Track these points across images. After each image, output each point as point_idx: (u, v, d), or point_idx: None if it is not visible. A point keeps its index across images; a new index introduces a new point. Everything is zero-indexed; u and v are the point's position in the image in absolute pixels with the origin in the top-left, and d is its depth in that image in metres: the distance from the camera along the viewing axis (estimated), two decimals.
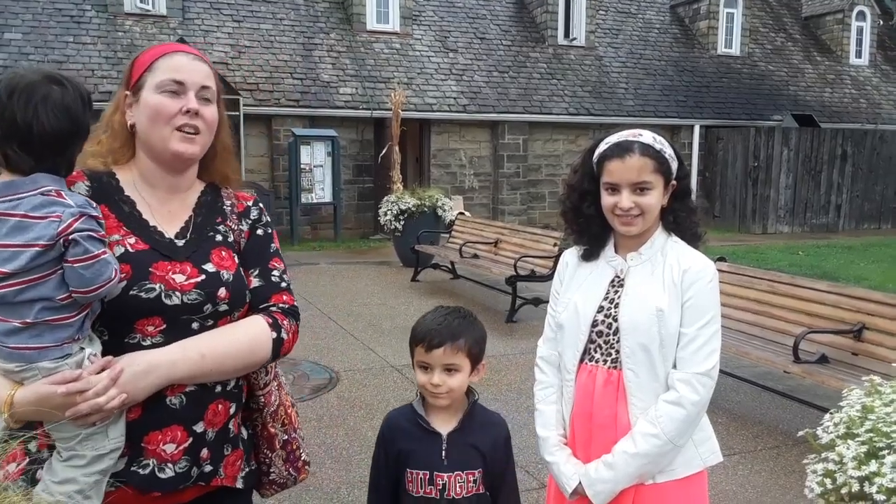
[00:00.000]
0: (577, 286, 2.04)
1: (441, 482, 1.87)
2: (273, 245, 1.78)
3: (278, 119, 13.92)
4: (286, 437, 1.82)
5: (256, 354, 1.63)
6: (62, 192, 1.44)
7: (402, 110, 12.94)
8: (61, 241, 1.39)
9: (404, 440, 1.92)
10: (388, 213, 11.11)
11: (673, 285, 1.89)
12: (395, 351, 6.41)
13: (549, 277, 7.76)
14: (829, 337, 4.46)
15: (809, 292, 4.80)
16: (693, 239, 1.99)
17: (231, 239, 1.71)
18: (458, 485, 1.88)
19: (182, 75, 1.60)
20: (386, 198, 11.59)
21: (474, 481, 1.90)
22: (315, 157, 13.51)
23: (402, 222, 10.98)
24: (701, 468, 1.97)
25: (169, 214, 1.65)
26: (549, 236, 8.31)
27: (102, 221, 1.48)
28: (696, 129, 17.08)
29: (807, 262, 11.91)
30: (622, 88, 17.02)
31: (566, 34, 17.32)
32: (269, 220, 1.81)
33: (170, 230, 1.63)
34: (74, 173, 1.60)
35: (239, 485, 1.71)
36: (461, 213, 12.56)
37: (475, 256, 9.13)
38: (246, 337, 1.62)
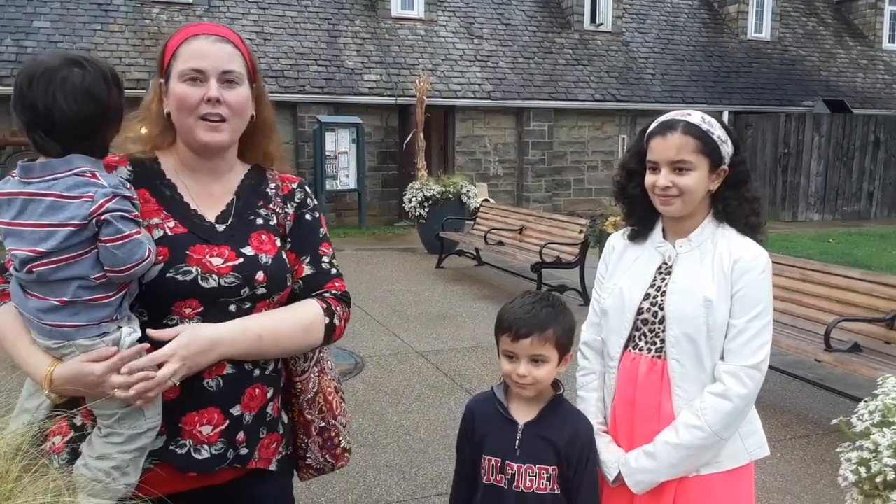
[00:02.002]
0: (623, 271, 1.99)
1: (510, 472, 1.80)
2: (322, 230, 1.78)
3: (303, 106, 13.94)
4: (323, 424, 1.80)
5: (309, 338, 1.66)
6: (97, 174, 1.44)
7: (427, 97, 12.90)
8: (94, 220, 1.40)
9: (483, 425, 1.88)
10: (413, 199, 11.10)
11: (723, 275, 1.82)
12: (419, 337, 6.43)
13: (575, 265, 7.72)
14: (862, 325, 4.38)
15: (842, 280, 4.72)
16: (747, 229, 1.90)
17: (274, 222, 1.69)
18: (528, 478, 1.79)
19: (201, 63, 1.56)
20: (410, 185, 11.58)
21: (547, 478, 1.80)
22: (340, 144, 13.52)
23: (426, 209, 10.97)
24: (747, 461, 1.91)
25: (211, 198, 1.65)
26: (575, 223, 8.22)
27: (137, 202, 1.48)
28: (725, 115, 16.76)
29: (838, 249, 11.72)
30: (649, 74, 16.81)
31: (592, 19, 17.13)
32: (315, 203, 1.81)
33: (210, 214, 1.63)
34: (118, 158, 1.60)
35: (273, 467, 1.70)
36: (486, 200, 12.52)
37: (500, 243, 9.09)
38: (301, 321, 1.64)
